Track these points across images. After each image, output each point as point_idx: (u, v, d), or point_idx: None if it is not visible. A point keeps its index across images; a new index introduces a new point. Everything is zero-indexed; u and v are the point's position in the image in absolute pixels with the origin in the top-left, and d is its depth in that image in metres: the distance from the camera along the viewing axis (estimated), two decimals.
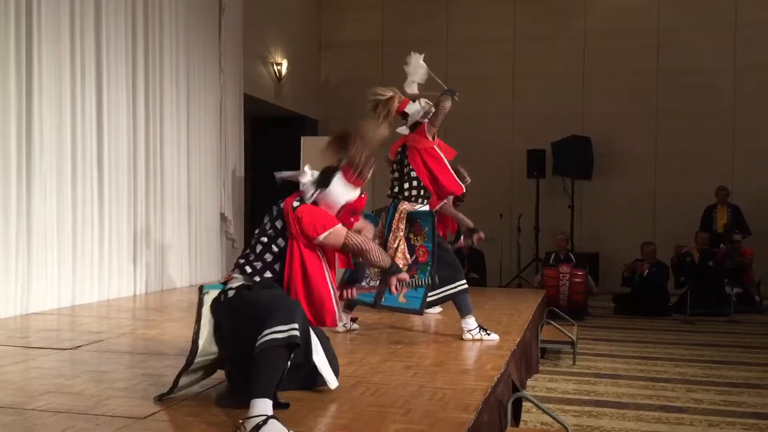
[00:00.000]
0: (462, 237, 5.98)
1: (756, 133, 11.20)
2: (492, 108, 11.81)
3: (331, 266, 3.30)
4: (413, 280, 4.73)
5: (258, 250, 3.24)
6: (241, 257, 3.31)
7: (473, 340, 4.80)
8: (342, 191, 3.31)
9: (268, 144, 11.57)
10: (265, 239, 3.24)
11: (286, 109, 11.64)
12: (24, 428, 2.81)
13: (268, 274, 3.20)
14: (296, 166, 9.04)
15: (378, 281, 4.87)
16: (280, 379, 2.89)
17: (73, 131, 6.49)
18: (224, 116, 9.23)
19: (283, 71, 11.33)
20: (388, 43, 12.41)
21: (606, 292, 10.44)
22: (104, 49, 6.90)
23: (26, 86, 5.93)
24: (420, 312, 4.90)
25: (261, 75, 10.92)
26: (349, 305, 5.06)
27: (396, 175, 5.05)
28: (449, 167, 4.96)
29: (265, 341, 2.82)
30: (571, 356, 6.39)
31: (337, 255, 3.34)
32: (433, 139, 4.96)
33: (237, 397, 3.02)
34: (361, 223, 3.58)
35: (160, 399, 3.17)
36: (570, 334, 6.32)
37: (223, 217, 9.25)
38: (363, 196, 3.39)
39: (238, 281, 3.20)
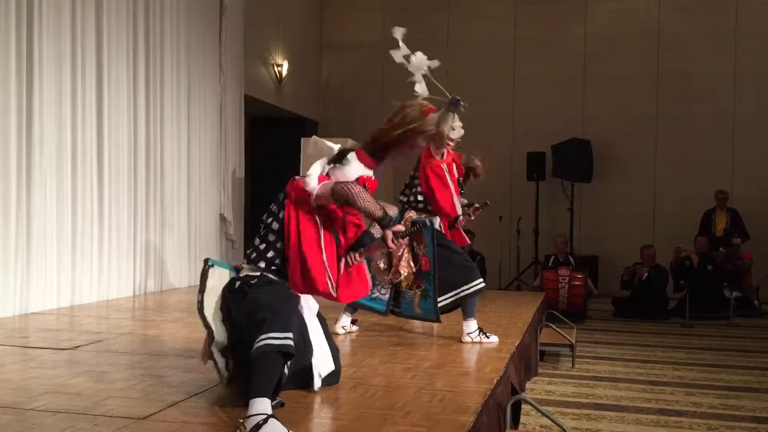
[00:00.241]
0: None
1: (755, 137, 11.21)
2: (492, 111, 11.80)
3: (330, 231, 3.29)
4: (421, 290, 4.77)
5: (262, 232, 3.32)
6: (248, 246, 3.38)
7: (473, 342, 4.81)
8: (356, 166, 3.36)
9: (268, 145, 11.57)
10: (268, 218, 3.33)
11: (286, 110, 11.64)
12: (23, 428, 2.80)
13: (270, 254, 3.25)
14: (296, 167, 9.06)
15: (388, 289, 4.91)
16: (279, 381, 2.91)
17: (74, 131, 6.49)
18: (224, 117, 9.24)
19: (284, 72, 11.34)
20: (388, 45, 12.26)
21: (605, 295, 10.45)
22: (105, 49, 6.90)
23: (27, 86, 5.93)
24: (437, 319, 4.87)
25: (261, 76, 10.93)
26: (354, 307, 5.07)
27: (408, 181, 5.07)
28: (451, 189, 4.91)
29: (261, 346, 2.85)
30: (570, 359, 6.39)
31: (346, 224, 3.35)
32: (442, 157, 4.92)
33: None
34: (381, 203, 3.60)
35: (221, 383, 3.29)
36: (569, 337, 6.32)
37: (222, 218, 9.25)
38: (374, 179, 3.41)
39: (245, 271, 3.27)
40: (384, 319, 5.28)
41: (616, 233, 11.56)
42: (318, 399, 3.25)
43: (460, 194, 5.12)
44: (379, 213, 3.23)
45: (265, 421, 2.70)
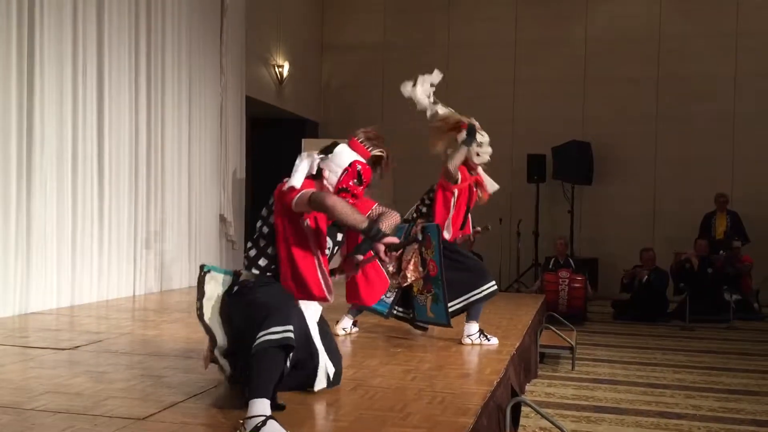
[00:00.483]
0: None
1: (756, 140, 11.20)
2: (492, 112, 11.75)
3: (323, 232, 3.24)
4: (431, 294, 4.75)
5: (255, 237, 3.29)
6: (249, 243, 3.36)
7: (472, 344, 4.81)
8: (347, 152, 3.25)
9: (268, 146, 11.57)
10: (260, 223, 3.28)
11: (287, 111, 11.64)
12: (22, 428, 2.80)
13: (263, 261, 3.21)
14: None
15: (393, 292, 4.92)
16: (279, 379, 2.89)
17: (74, 131, 6.49)
18: (225, 117, 9.23)
19: (285, 73, 11.34)
20: (389, 46, 12.42)
21: (604, 298, 10.44)
22: (106, 49, 6.90)
23: (27, 86, 5.93)
24: (448, 324, 4.86)
25: (262, 77, 10.93)
26: (359, 309, 5.08)
27: (427, 194, 5.09)
28: (450, 215, 4.92)
29: (261, 342, 2.83)
30: (570, 361, 6.38)
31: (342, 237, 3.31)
32: (456, 182, 4.90)
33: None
34: (379, 209, 3.48)
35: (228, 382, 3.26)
36: (569, 340, 6.32)
37: (222, 219, 9.25)
38: (368, 167, 3.29)
39: (243, 276, 3.25)
40: (384, 321, 5.28)
41: (616, 235, 11.55)
42: (317, 400, 3.25)
43: (466, 216, 5.12)
44: (362, 225, 3.07)
45: (264, 422, 2.69)
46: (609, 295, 10.49)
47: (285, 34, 11.47)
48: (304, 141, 10.84)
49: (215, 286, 3.24)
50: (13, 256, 5.78)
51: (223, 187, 9.21)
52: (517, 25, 12.19)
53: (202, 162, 8.75)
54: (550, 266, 9.93)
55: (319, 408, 3.15)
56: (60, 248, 6.31)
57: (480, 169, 5.03)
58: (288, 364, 2.94)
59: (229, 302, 3.20)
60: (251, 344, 2.86)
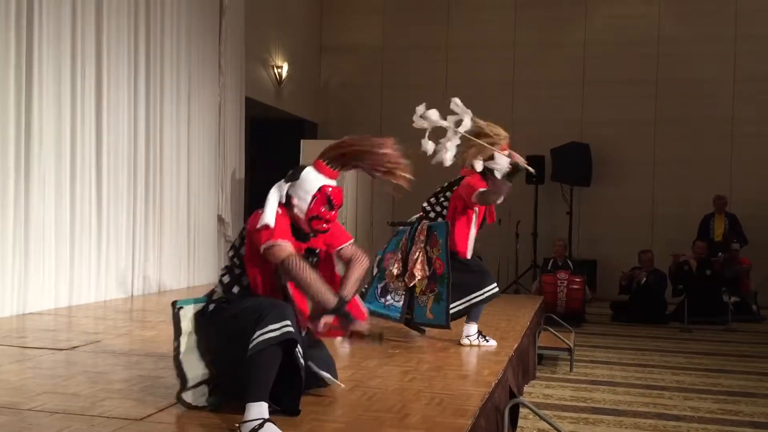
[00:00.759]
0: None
1: (754, 142, 11.23)
2: (491, 114, 11.62)
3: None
4: (434, 294, 4.75)
5: (229, 264, 3.17)
6: (222, 268, 3.23)
7: (471, 345, 4.81)
8: (315, 177, 3.08)
9: (267, 147, 11.57)
10: (231, 253, 3.17)
11: (286, 111, 11.64)
12: (20, 428, 2.80)
13: (236, 289, 3.07)
14: None
15: (402, 296, 4.91)
16: (299, 381, 2.87)
17: (73, 131, 6.48)
18: (224, 118, 9.23)
19: (284, 74, 11.33)
20: (388, 47, 12.42)
21: (603, 299, 10.44)
22: (105, 49, 6.89)
23: (26, 85, 5.92)
24: (447, 326, 4.84)
25: (261, 78, 10.92)
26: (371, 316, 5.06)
27: (438, 190, 5.07)
28: (471, 232, 4.96)
29: (258, 342, 2.75)
30: (569, 363, 6.38)
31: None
32: (472, 207, 4.93)
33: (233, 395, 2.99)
34: (351, 250, 3.27)
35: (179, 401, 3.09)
36: (567, 341, 6.32)
37: (220, 220, 9.24)
38: (339, 188, 3.14)
39: (217, 294, 3.13)
40: (383, 322, 5.27)
41: (614, 237, 11.56)
42: (315, 401, 3.24)
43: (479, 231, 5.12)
44: (330, 304, 2.93)
45: (261, 425, 2.67)
46: (607, 297, 10.49)
47: (284, 35, 11.47)
48: (303, 142, 10.84)
49: (191, 322, 3.13)
50: (11, 257, 5.77)
51: (221, 187, 9.20)
52: (517, 27, 12.19)
53: (201, 162, 8.74)
54: (549, 268, 9.93)
55: (317, 409, 3.14)
56: (58, 248, 6.30)
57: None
58: (302, 361, 2.88)
59: (206, 322, 3.08)
60: (245, 350, 2.76)
